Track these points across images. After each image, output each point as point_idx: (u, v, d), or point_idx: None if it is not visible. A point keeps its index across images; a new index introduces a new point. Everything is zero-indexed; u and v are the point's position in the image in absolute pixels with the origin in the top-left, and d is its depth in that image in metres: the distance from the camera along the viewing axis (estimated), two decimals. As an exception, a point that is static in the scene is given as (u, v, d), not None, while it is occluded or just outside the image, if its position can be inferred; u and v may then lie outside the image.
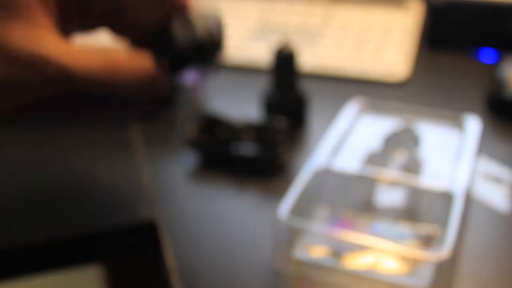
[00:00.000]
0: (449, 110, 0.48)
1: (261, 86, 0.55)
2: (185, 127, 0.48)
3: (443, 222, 0.37)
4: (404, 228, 0.40)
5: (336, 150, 0.44)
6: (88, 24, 0.38)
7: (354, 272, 0.36)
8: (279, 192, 0.44)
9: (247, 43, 0.66)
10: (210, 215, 0.44)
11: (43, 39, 0.32)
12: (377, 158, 0.43)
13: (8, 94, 0.33)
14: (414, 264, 0.36)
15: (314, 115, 0.53)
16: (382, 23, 0.68)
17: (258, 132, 0.47)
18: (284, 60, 0.49)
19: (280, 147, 0.46)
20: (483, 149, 0.48)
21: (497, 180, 0.45)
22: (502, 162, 0.47)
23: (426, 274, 0.36)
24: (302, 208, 0.38)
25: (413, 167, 0.43)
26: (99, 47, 0.34)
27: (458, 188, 0.39)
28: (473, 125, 0.45)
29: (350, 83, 0.59)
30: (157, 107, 0.45)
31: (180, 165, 0.48)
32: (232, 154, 0.47)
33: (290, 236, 0.37)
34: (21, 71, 0.32)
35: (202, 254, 0.40)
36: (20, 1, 0.31)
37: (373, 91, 0.58)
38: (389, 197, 0.41)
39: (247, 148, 0.46)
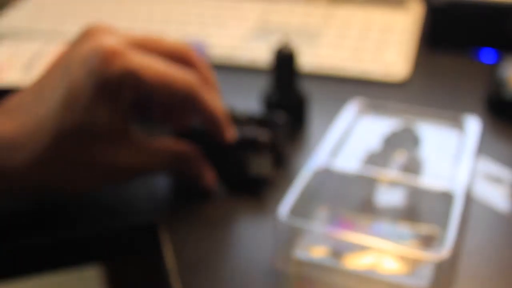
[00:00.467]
0: (449, 110, 0.48)
1: (261, 86, 0.55)
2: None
3: (443, 222, 0.37)
4: (404, 228, 0.40)
5: (336, 150, 0.44)
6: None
7: (354, 272, 0.36)
8: (279, 192, 0.44)
9: (247, 43, 0.66)
10: (210, 215, 0.44)
11: (122, 154, 0.40)
12: (377, 158, 0.43)
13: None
14: (414, 264, 0.36)
15: (314, 115, 0.53)
16: (382, 23, 0.68)
17: (260, 124, 0.47)
18: (284, 60, 0.49)
19: (282, 138, 0.46)
20: (483, 149, 0.48)
21: (497, 180, 0.45)
22: (502, 162, 0.47)
23: (426, 274, 0.36)
24: (302, 208, 0.38)
25: (413, 167, 0.43)
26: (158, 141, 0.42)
27: (458, 188, 0.39)
28: (473, 125, 0.45)
29: (350, 83, 0.59)
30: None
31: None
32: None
33: (290, 236, 0.37)
34: (112, 180, 0.41)
35: (202, 254, 0.40)
36: (107, 128, 0.38)
37: (373, 91, 0.58)
38: (389, 197, 0.41)
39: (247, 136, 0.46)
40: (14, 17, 0.74)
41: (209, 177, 0.44)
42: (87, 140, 0.38)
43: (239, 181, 0.46)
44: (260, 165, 0.45)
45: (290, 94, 0.51)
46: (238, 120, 0.46)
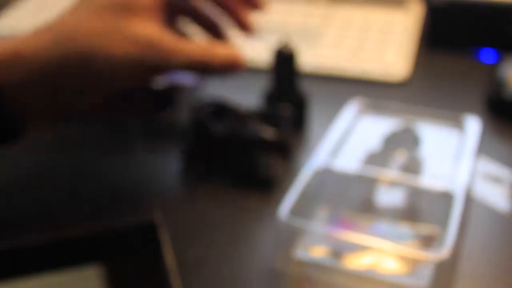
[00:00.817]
0: (449, 110, 0.48)
1: (261, 86, 0.55)
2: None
3: (443, 222, 0.37)
4: (404, 228, 0.40)
5: (336, 150, 0.44)
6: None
7: (354, 272, 0.36)
8: (279, 192, 0.44)
9: (247, 43, 0.66)
10: (210, 215, 0.44)
11: (156, 30, 0.43)
12: (377, 158, 0.43)
13: (132, 73, 0.43)
14: (414, 264, 0.36)
15: (314, 115, 0.53)
16: (382, 23, 0.68)
17: (264, 118, 0.47)
18: (284, 60, 0.49)
19: (285, 130, 0.46)
20: (483, 149, 0.48)
21: (497, 180, 0.45)
22: (502, 162, 0.47)
23: (426, 274, 0.36)
24: (302, 208, 0.38)
25: (413, 167, 0.43)
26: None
27: (458, 188, 0.39)
28: (473, 125, 0.45)
29: (350, 83, 0.59)
30: (157, 107, 0.46)
31: (180, 164, 0.48)
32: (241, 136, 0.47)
33: (290, 236, 0.37)
34: (143, 50, 0.42)
35: (202, 254, 0.40)
36: (142, 5, 0.43)
37: (373, 91, 0.58)
38: (389, 197, 0.41)
39: (253, 131, 0.46)
40: (14, 17, 0.74)
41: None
42: (123, 10, 0.42)
43: (247, 181, 0.46)
44: (268, 164, 0.45)
45: (290, 94, 0.51)
46: (242, 116, 0.46)
